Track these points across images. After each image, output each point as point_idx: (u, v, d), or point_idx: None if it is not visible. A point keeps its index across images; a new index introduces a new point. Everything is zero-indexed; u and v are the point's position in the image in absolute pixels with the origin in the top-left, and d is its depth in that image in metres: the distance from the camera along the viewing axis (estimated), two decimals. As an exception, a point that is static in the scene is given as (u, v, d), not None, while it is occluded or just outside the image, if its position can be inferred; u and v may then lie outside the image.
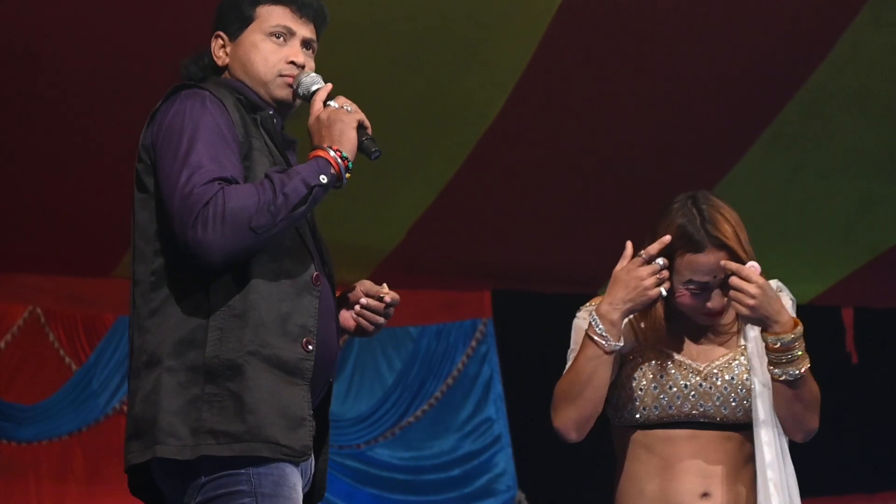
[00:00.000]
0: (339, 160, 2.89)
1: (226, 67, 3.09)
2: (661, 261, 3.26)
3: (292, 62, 3.05)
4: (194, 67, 3.11)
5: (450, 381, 8.19)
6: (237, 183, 2.81)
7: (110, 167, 6.54)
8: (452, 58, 6.15)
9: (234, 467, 2.80)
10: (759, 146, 6.93)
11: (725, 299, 3.34)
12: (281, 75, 3.04)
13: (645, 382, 3.38)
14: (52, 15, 5.67)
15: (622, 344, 3.30)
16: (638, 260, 3.29)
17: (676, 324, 3.46)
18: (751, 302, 3.22)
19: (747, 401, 3.35)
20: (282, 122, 3.10)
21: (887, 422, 8.56)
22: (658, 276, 3.25)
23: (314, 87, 3.03)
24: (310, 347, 2.87)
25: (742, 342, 3.43)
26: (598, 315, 3.29)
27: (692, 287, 3.33)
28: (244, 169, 2.89)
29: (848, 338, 8.60)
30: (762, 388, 3.33)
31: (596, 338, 3.29)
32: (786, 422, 3.34)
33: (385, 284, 3.18)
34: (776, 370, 3.28)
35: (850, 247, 7.81)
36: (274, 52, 3.05)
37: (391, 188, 6.86)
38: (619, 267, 3.31)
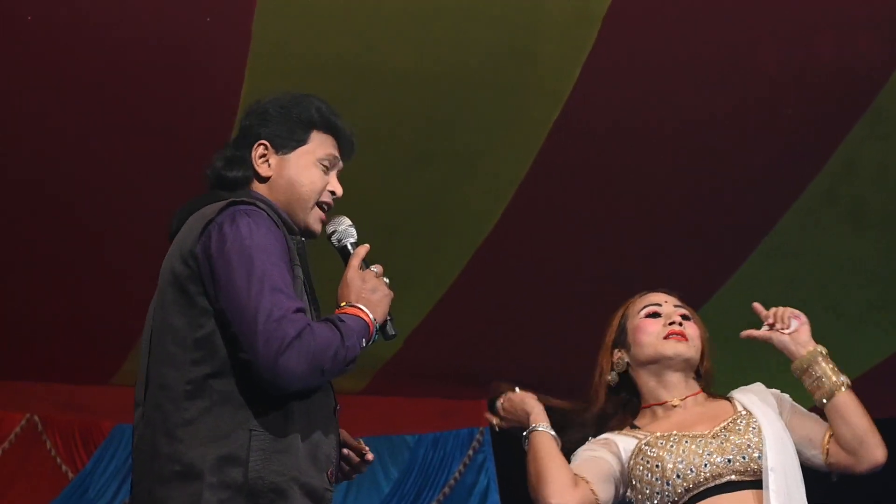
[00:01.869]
0: (374, 330, 2.95)
1: (265, 178, 3.09)
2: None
3: (332, 192, 3.11)
4: (235, 170, 3.11)
5: (446, 490, 8.15)
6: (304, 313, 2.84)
7: (109, 276, 6.59)
8: (451, 168, 6.21)
9: None
10: (755, 257, 6.97)
11: (687, 324, 3.58)
12: (319, 204, 3.08)
13: (661, 468, 3.43)
14: (58, 127, 5.73)
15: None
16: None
17: (666, 419, 3.57)
18: (802, 317, 3.60)
19: (759, 451, 3.40)
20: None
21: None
22: None
23: (349, 241, 3.11)
24: (333, 477, 2.92)
25: (738, 408, 3.55)
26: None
27: (647, 309, 3.62)
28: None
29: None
30: (773, 436, 3.41)
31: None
32: (848, 446, 3.47)
33: (361, 440, 3.22)
34: (816, 399, 3.52)
35: (848, 356, 7.80)
36: (320, 179, 3.09)
37: (385, 340, 6.88)
38: None
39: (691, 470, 3.39)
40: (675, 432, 3.50)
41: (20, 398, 7.59)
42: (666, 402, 3.59)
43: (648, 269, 6.98)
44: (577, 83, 5.80)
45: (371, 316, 2.93)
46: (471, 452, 8.23)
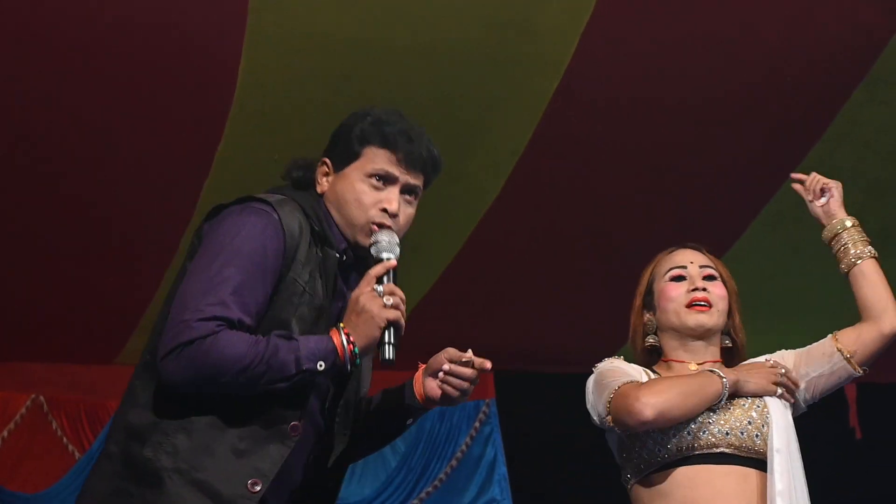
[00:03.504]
0: (348, 353, 2.85)
1: (322, 195, 3.06)
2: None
3: (384, 209, 3.00)
4: (302, 175, 3.09)
5: (454, 462, 8.17)
6: (243, 324, 2.80)
7: (113, 256, 6.59)
8: (451, 141, 6.20)
9: None
10: (756, 225, 6.97)
11: (711, 287, 3.59)
12: (371, 221, 2.98)
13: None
14: (61, 108, 5.73)
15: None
16: None
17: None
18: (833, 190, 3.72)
19: (764, 429, 3.41)
20: (353, 257, 3.04)
21: (892, 499, 8.52)
22: None
23: (383, 255, 2.96)
24: (256, 489, 2.80)
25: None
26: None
27: (672, 272, 3.62)
28: (268, 301, 2.87)
29: (851, 413, 8.58)
30: (779, 418, 3.42)
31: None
32: (873, 310, 3.63)
33: (470, 351, 3.05)
34: (842, 266, 3.68)
35: (851, 323, 7.81)
36: (369, 195, 3.00)
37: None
38: None
39: (689, 433, 3.40)
40: None
41: (25, 379, 7.61)
42: (684, 362, 3.59)
43: (650, 238, 6.98)
44: (576, 53, 5.79)
45: (346, 338, 2.85)
46: (477, 424, 8.24)
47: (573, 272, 7.07)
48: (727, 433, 3.40)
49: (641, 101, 6.12)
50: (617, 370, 3.54)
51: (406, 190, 3.06)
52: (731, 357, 3.65)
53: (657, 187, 6.64)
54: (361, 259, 3.03)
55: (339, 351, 2.84)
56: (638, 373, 3.53)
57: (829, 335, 3.64)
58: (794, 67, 6.02)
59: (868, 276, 3.63)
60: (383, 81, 5.79)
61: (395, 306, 2.88)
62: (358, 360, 2.87)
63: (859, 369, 3.65)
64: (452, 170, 6.38)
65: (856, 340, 3.61)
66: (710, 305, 3.59)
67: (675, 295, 3.60)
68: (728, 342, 3.66)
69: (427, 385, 3.06)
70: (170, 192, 6.18)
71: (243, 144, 5.88)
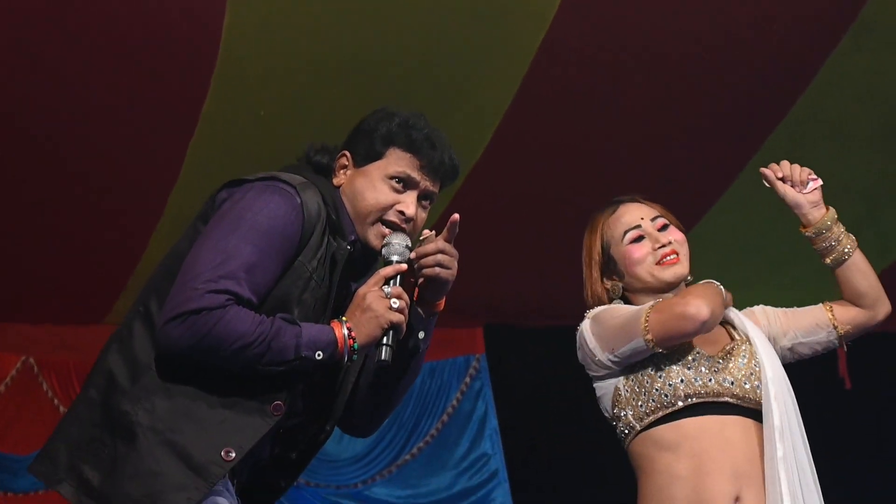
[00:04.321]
0: (347, 347, 2.88)
1: (337, 187, 3.07)
2: None
3: (401, 211, 3.03)
4: (323, 159, 3.11)
5: (445, 418, 8.19)
6: (250, 303, 2.81)
7: (100, 218, 6.58)
8: (437, 98, 6.18)
9: None
10: (745, 175, 6.96)
11: (671, 237, 3.57)
12: (384, 220, 3.01)
13: (667, 369, 3.44)
14: (46, 71, 5.70)
15: None
16: None
17: None
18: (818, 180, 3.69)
19: (760, 381, 3.43)
20: (361, 251, 3.06)
21: (881, 447, 8.56)
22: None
23: (393, 258, 2.99)
24: (230, 456, 2.81)
25: (736, 334, 3.55)
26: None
27: (630, 234, 3.59)
28: (275, 282, 2.88)
29: (840, 363, 8.60)
30: (772, 368, 3.43)
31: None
32: (867, 299, 3.60)
33: (425, 230, 3.11)
34: (831, 258, 3.62)
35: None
36: (388, 195, 3.03)
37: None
38: None
39: (696, 379, 3.40)
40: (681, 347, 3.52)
41: (15, 341, 7.61)
42: None
43: (638, 191, 6.97)
44: (562, 4, 5.76)
45: (347, 332, 2.88)
46: (468, 380, 8.26)
47: (560, 226, 7.05)
48: (732, 383, 3.41)
49: (628, 52, 6.09)
50: (618, 307, 3.54)
51: (423, 196, 3.09)
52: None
53: (644, 139, 6.63)
54: (367, 255, 3.06)
55: (338, 343, 2.87)
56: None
57: (821, 305, 3.64)
58: (780, 17, 6.00)
59: (861, 265, 3.63)
60: (365, 36, 5.76)
61: (399, 310, 2.92)
62: (355, 356, 2.90)
63: (844, 346, 3.67)
64: (437, 125, 6.39)
65: (851, 320, 3.62)
66: (678, 255, 3.57)
67: (641, 256, 3.58)
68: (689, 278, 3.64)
69: (416, 293, 3.09)
70: (155, 152, 6.16)
71: (228, 102, 5.85)
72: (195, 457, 2.79)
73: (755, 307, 3.67)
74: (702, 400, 3.40)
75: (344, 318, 2.90)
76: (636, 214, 3.66)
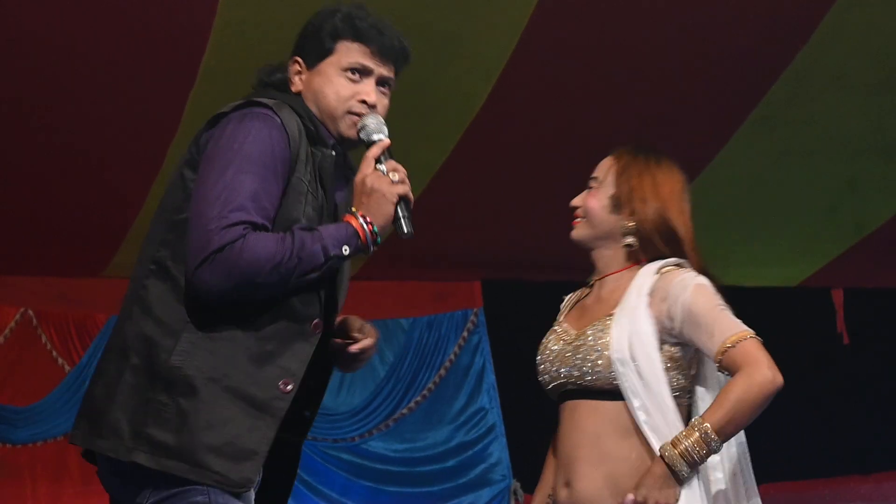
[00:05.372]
0: (369, 233, 2.92)
1: (299, 93, 3.11)
2: None
3: (363, 101, 3.07)
4: (276, 78, 3.15)
5: (442, 371, 8.21)
6: (265, 228, 2.83)
7: (99, 169, 6.56)
8: (437, 49, 6.15)
9: (174, 483, 2.80)
10: (744, 130, 6.95)
11: (587, 199, 3.45)
12: (350, 112, 3.07)
13: (540, 357, 3.47)
14: (38, 28, 5.66)
15: None
16: None
17: (578, 304, 3.54)
18: None
19: (599, 364, 3.28)
20: (343, 152, 3.12)
21: (880, 401, 8.59)
22: None
23: (375, 137, 3.04)
24: (288, 388, 2.86)
25: (616, 307, 3.34)
26: None
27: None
28: (280, 200, 2.91)
29: (838, 318, 8.62)
30: (619, 355, 3.24)
31: None
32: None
33: (366, 326, 3.20)
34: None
35: (838, 228, 7.83)
36: (347, 87, 3.07)
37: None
38: None
39: (547, 374, 3.42)
40: (558, 324, 3.50)
41: (14, 292, 7.61)
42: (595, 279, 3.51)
43: (637, 141, 6.96)
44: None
45: (364, 220, 2.92)
46: (465, 334, 8.27)
47: (560, 179, 7.04)
48: (573, 373, 3.38)
49: (627, 4, 6.06)
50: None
51: (381, 82, 3.13)
52: (642, 254, 3.39)
53: (644, 90, 6.61)
54: (346, 164, 3.13)
55: (360, 233, 2.91)
56: None
57: (718, 350, 3.18)
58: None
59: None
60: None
61: (401, 181, 2.99)
62: (379, 239, 2.95)
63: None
64: (437, 78, 6.37)
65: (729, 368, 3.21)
66: (578, 221, 3.49)
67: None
68: (630, 241, 3.39)
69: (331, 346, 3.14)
70: (155, 102, 6.13)
71: (229, 53, 5.82)
72: (257, 396, 2.83)
73: (683, 297, 3.27)
74: (548, 385, 3.46)
75: (353, 210, 2.95)
76: (597, 170, 3.57)
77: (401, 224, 2.98)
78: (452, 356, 8.23)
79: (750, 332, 3.18)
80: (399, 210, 2.98)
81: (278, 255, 2.79)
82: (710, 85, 6.66)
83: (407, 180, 3.01)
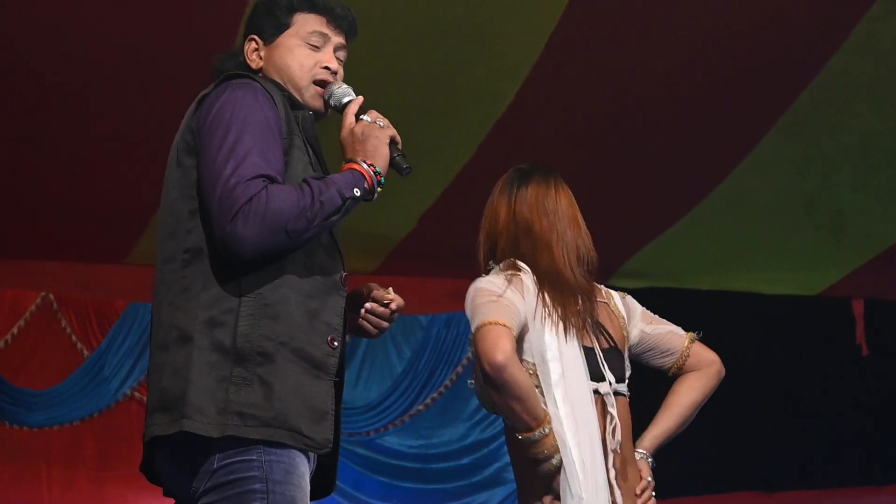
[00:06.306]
0: (373, 175, 2.99)
1: (259, 70, 3.18)
2: None
3: (326, 67, 3.16)
4: (231, 63, 3.21)
5: (459, 369, 8.20)
6: (279, 182, 2.88)
7: (122, 155, 6.57)
8: (465, 47, 6.15)
9: (247, 453, 2.83)
10: (773, 134, 6.92)
11: None
12: (315, 81, 3.15)
13: None
14: (61, 7, 5.66)
15: None
16: None
17: None
18: None
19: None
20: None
21: (898, 413, 8.56)
22: None
23: (346, 99, 3.14)
24: (335, 344, 2.94)
25: None
26: None
27: None
28: (283, 157, 2.97)
29: (858, 329, 8.58)
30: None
31: None
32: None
33: (391, 289, 3.23)
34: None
35: (862, 238, 7.81)
36: (309, 56, 3.17)
37: (403, 177, 6.87)
38: None
39: None
40: None
41: (35, 277, 7.63)
42: None
43: (665, 148, 6.95)
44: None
45: (366, 164, 3.00)
46: (484, 332, 8.25)
47: (586, 179, 7.03)
48: None
49: (660, 6, 6.05)
50: None
51: (336, 49, 3.22)
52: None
53: (672, 96, 6.59)
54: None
55: (365, 176, 2.98)
56: None
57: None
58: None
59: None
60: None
61: (387, 126, 3.08)
62: (383, 179, 3.01)
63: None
64: (465, 76, 6.37)
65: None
66: None
67: None
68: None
69: (349, 318, 3.16)
70: (185, 88, 6.13)
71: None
72: (315, 355, 2.91)
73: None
74: None
75: (350, 157, 3.04)
76: None
77: (398, 162, 3.07)
78: (470, 354, 8.22)
79: None
80: (393, 151, 3.06)
81: (301, 200, 2.85)
82: (741, 88, 6.64)
83: (391, 125, 3.10)
